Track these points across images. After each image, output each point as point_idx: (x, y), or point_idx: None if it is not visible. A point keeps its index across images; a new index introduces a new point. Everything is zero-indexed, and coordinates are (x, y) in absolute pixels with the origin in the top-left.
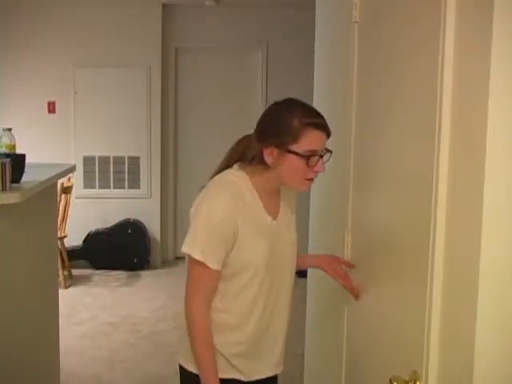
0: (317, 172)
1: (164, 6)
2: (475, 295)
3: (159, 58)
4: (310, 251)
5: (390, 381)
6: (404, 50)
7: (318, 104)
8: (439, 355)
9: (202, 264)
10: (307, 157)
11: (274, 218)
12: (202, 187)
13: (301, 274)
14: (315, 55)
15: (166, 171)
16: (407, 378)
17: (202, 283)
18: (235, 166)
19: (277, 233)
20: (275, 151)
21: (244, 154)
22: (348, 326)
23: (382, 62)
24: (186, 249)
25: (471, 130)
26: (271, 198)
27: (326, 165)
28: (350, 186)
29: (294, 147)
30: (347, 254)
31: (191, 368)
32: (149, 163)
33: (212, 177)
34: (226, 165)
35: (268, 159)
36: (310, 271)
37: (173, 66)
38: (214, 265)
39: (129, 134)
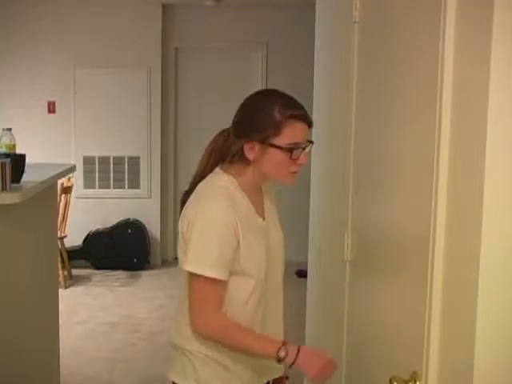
0: (300, 165)
1: (164, 6)
2: (475, 295)
3: (159, 58)
4: (310, 251)
5: (390, 381)
6: (404, 49)
7: (317, 104)
8: (439, 355)
9: (211, 279)
10: (290, 150)
11: (263, 217)
12: (186, 192)
13: (301, 273)
14: (315, 55)
15: (165, 171)
16: (407, 378)
17: (213, 298)
18: (217, 170)
19: (268, 233)
20: (256, 146)
21: (223, 152)
22: (348, 326)
23: (382, 62)
24: (192, 268)
25: (471, 129)
26: (257, 197)
27: (325, 165)
28: (350, 186)
29: (276, 141)
30: (347, 254)
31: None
32: (149, 163)
33: (194, 180)
34: (206, 165)
35: (249, 155)
36: (309, 271)
37: (173, 66)
38: (224, 276)
39: (129, 133)
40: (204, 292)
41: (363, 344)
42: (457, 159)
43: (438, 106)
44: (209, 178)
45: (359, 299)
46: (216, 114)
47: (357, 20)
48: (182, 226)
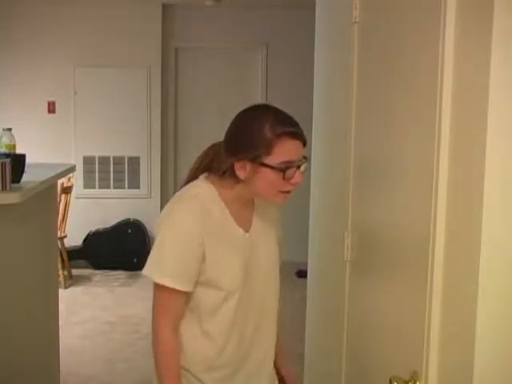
0: (294, 184)
1: (164, 6)
2: (475, 295)
3: (159, 58)
4: (310, 252)
5: (390, 381)
6: (404, 50)
7: (317, 104)
8: (439, 355)
9: (169, 288)
10: (283, 170)
11: (247, 230)
12: None
13: (301, 274)
14: (315, 55)
15: (165, 171)
16: (407, 378)
17: (171, 307)
18: (201, 177)
19: (252, 246)
20: (247, 165)
21: (212, 164)
22: (348, 326)
23: (382, 62)
24: (150, 273)
25: (471, 129)
26: (242, 209)
27: (324, 164)
28: (350, 187)
29: (268, 160)
30: (347, 255)
31: None
32: (149, 163)
33: (180, 189)
34: (194, 176)
35: (240, 174)
36: (309, 271)
37: (173, 66)
38: (185, 287)
39: (129, 133)
40: (162, 299)
41: (363, 344)
42: (457, 159)
43: (437, 105)
44: (187, 186)
45: (359, 299)
46: (216, 114)
47: (357, 20)
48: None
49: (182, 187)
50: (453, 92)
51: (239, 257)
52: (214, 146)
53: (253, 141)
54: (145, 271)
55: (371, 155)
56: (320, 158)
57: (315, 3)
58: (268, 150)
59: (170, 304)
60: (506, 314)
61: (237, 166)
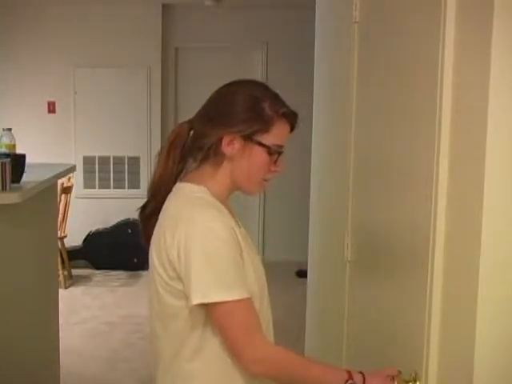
0: (277, 172)
1: (164, 6)
2: (475, 296)
3: (159, 58)
4: (310, 252)
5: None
6: (404, 50)
7: (318, 104)
8: (439, 355)
9: (243, 301)
10: (279, 152)
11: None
12: (145, 205)
13: (301, 274)
14: (315, 55)
15: None
16: (407, 378)
17: (254, 322)
18: (177, 185)
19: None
20: (237, 142)
21: (184, 149)
22: (348, 326)
23: (382, 62)
24: (214, 296)
25: (471, 129)
26: (228, 208)
27: (325, 164)
28: (350, 188)
29: (264, 138)
30: (347, 255)
31: None
32: (149, 163)
33: (156, 186)
34: (166, 164)
35: (227, 150)
36: (309, 271)
37: (173, 66)
38: (248, 293)
39: (129, 133)
40: (242, 321)
41: (363, 344)
42: (457, 159)
43: (438, 106)
44: (178, 194)
45: (359, 299)
46: None
47: (357, 20)
48: (168, 253)
49: (158, 181)
50: (453, 92)
51: (257, 257)
52: (182, 124)
53: (251, 115)
54: (198, 299)
55: (371, 155)
56: (320, 157)
57: (315, 3)
58: (266, 128)
59: (252, 319)
60: (506, 314)
61: (226, 140)
